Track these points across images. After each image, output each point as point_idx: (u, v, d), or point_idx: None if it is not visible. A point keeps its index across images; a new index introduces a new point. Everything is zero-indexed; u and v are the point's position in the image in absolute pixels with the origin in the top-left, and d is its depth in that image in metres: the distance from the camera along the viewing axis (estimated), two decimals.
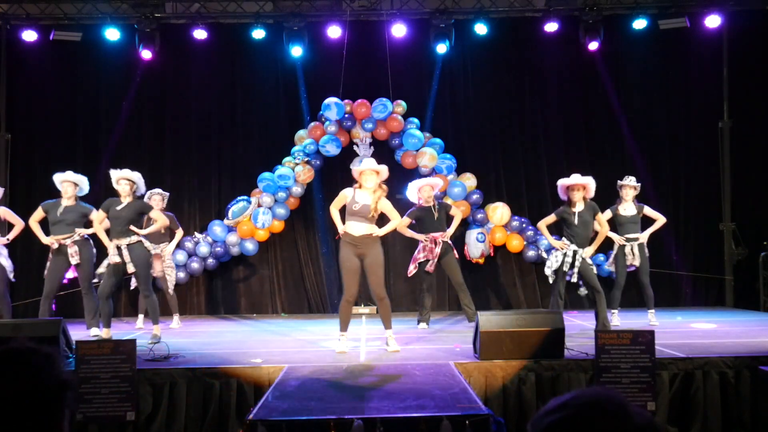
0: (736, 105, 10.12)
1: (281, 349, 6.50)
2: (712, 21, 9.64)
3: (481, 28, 9.74)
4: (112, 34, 9.65)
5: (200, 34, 9.72)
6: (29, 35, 9.62)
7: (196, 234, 9.68)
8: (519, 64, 10.34)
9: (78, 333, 6.94)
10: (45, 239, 7.24)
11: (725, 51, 10.05)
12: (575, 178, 7.12)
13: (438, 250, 7.70)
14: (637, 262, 7.93)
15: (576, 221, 7.03)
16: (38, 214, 7.29)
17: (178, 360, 5.73)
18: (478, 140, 10.27)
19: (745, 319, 8.58)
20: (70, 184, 7.29)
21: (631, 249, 7.93)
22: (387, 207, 6.26)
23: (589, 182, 7.12)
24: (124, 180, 6.94)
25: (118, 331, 7.76)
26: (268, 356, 5.83)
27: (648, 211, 8.09)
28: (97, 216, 7.00)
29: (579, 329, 7.30)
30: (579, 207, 7.05)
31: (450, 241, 7.87)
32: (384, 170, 6.26)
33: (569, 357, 5.47)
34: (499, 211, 9.56)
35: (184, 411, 5.20)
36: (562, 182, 7.18)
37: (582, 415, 1.18)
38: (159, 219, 7.23)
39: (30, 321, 6.73)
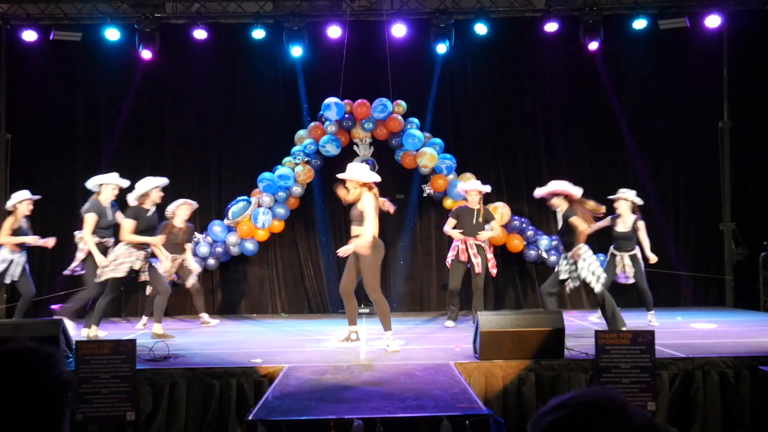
0: (736, 105, 10.12)
1: (281, 349, 6.50)
2: (712, 21, 9.63)
3: (481, 28, 9.74)
4: (112, 34, 9.65)
5: (200, 34, 9.72)
6: (29, 35, 9.62)
7: (196, 234, 9.67)
8: (519, 64, 10.34)
9: (77, 333, 6.94)
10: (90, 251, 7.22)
11: (725, 51, 10.05)
12: (539, 192, 7.29)
13: (473, 251, 7.91)
14: (631, 273, 8.01)
15: (558, 225, 7.23)
16: (94, 222, 7.17)
17: (178, 360, 5.73)
18: (478, 140, 10.27)
19: (745, 319, 8.58)
20: (117, 187, 7.38)
21: (622, 259, 8.02)
22: (364, 209, 6.22)
23: (557, 188, 7.12)
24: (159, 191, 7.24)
25: (119, 331, 7.76)
26: (268, 356, 5.83)
27: (639, 229, 8.04)
28: (132, 225, 6.98)
29: (579, 329, 7.30)
30: (559, 211, 7.15)
31: (486, 246, 8.07)
32: (348, 174, 6.33)
33: (569, 357, 5.47)
34: (499, 211, 9.56)
35: (184, 411, 5.20)
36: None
37: (581, 414, 1.18)
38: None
39: (30, 321, 6.72)
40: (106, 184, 7.31)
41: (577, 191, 7.21)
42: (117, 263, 6.96)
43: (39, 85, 10.02)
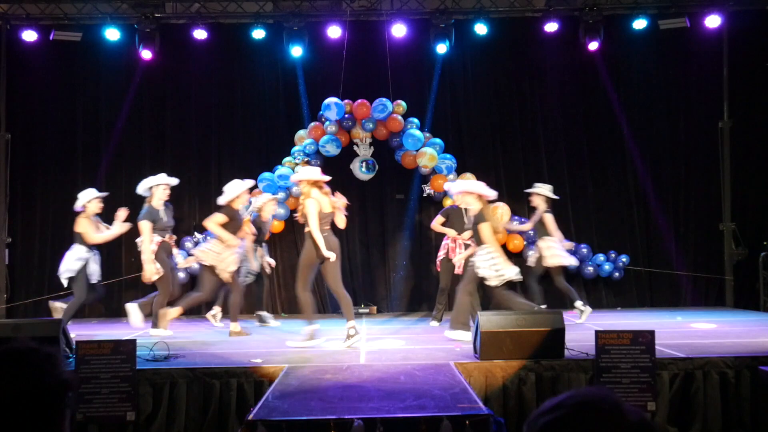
0: (736, 105, 10.11)
1: (281, 349, 6.50)
2: (712, 21, 9.63)
3: (481, 28, 9.74)
4: (112, 34, 9.65)
5: (200, 34, 9.72)
6: (29, 35, 9.62)
7: (196, 234, 9.67)
8: (519, 64, 10.34)
9: (80, 333, 6.94)
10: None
11: (725, 51, 10.05)
12: (450, 188, 7.72)
13: (461, 251, 7.98)
14: (530, 263, 8.51)
15: (467, 223, 7.72)
16: (149, 229, 7.36)
17: (178, 360, 5.73)
18: (478, 140, 10.27)
19: (745, 319, 8.58)
20: (167, 186, 7.59)
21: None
22: (307, 215, 6.48)
23: (469, 188, 7.20)
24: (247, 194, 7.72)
25: (119, 331, 7.76)
26: (268, 356, 5.83)
27: (545, 222, 8.35)
28: (223, 218, 7.36)
29: (579, 329, 7.30)
30: (471, 210, 7.30)
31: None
32: (298, 175, 6.78)
33: (569, 357, 5.47)
34: (499, 211, 9.56)
35: (184, 411, 5.21)
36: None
37: (577, 414, 1.19)
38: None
39: (30, 321, 6.75)
40: (156, 186, 7.39)
41: (490, 193, 7.19)
42: (224, 260, 7.27)
43: (39, 85, 10.02)
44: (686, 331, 7.52)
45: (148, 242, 7.32)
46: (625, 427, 1.17)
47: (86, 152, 10.05)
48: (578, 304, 8.30)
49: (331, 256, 6.43)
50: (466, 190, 7.10)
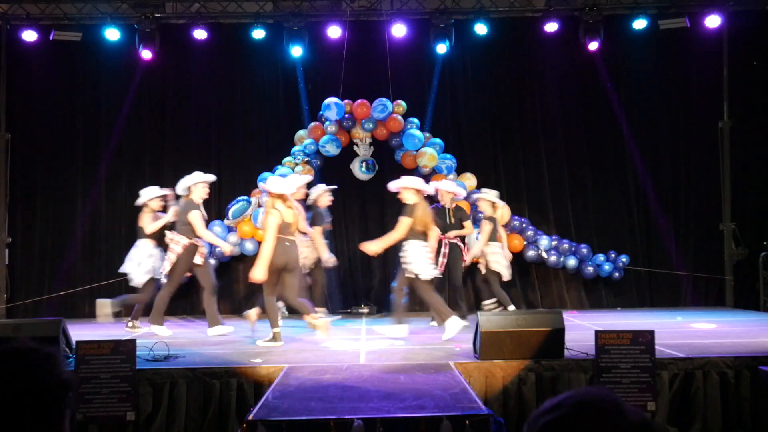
0: (736, 105, 10.12)
1: (281, 349, 6.50)
2: (712, 21, 9.63)
3: (481, 28, 9.74)
4: (112, 34, 9.66)
5: (200, 34, 9.72)
6: (29, 35, 9.62)
7: None
8: (519, 64, 10.34)
9: (77, 333, 6.93)
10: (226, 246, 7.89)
11: (725, 51, 10.05)
12: (392, 185, 7.28)
13: (445, 250, 7.89)
14: (482, 269, 8.48)
15: None
16: (200, 217, 7.41)
17: (178, 360, 5.73)
18: (478, 140, 10.27)
19: (745, 319, 8.58)
20: (207, 184, 7.58)
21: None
22: (265, 229, 6.48)
23: (407, 183, 7.02)
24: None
25: (120, 331, 7.76)
26: (268, 356, 5.83)
27: (481, 229, 8.40)
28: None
29: (579, 329, 7.30)
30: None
31: (461, 244, 8.09)
32: (267, 185, 6.64)
33: (569, 357, 5.47)
34: (499, 211, 9.55)
35: (184, 411, 5.21)
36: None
37: (576, 414, 1.19)
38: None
39: (30, 321, 6.75)
40: (195, 184, 7.42)
41: (428, 188, 7.16)
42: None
43: (39, 85, 10.03)
44: (686, 331, 7.52)
45: (203, 226, 7.36)
46: (625, 427, 1.17)
47: (86, 152, 10.05)
48: (486, 303, 8.36)
49: (259, 277, 6.32)
50: (404, 185, 6.98)
